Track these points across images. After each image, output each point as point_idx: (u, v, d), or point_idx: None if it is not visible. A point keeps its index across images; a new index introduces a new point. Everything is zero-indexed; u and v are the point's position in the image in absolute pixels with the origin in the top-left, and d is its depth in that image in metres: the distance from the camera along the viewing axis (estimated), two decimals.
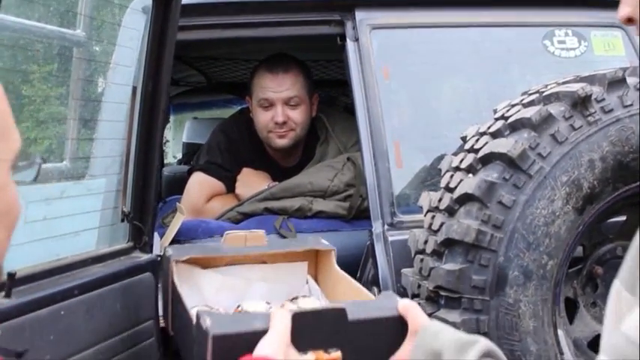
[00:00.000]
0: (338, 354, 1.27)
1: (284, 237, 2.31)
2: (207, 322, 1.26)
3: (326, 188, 2.47)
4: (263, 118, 2.64)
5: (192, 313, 1.36)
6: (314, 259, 1.83)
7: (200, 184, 2.67)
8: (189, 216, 2.42)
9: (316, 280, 1.80)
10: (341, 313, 1.32)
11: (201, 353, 1.27)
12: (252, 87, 2.69)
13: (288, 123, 2.63)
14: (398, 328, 1.32)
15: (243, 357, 1.12)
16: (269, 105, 2.62)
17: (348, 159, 2.51)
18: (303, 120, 2.66)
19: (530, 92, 1.89)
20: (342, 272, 1.70)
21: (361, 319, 1.33)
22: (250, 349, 1.16)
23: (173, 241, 2.17)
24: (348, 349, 1.29)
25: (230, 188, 2.67)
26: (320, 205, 2.45)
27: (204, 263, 1.73)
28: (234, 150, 2.75)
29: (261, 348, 1.15)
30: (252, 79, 2.70)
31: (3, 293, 1.25)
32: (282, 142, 2.66)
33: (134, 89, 1.76)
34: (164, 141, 5.24)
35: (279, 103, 2.61)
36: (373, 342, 1.33)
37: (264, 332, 1.20)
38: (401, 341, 1.30)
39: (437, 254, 1.76)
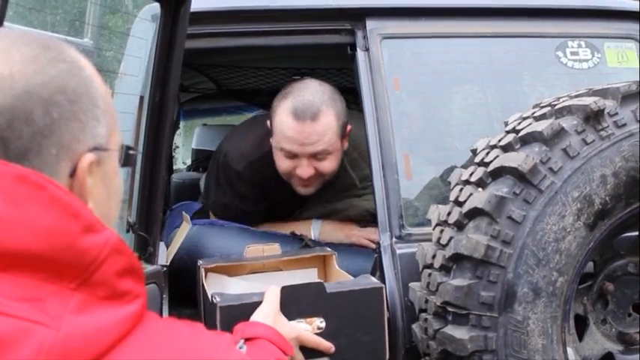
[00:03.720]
0: (323, 324, 1.68)
1: (301, 239, 2.37)
2: (217, 299, 1.67)
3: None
4: (284, 166, 2.30)
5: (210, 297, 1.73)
6: (322, 265, 2.14)
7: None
8: None
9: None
10: (320, 286, 1.73)
11: (213, 321, 1.64)
12: (272, 122, 2.30)
13: (314, 175, 2.30)
14: (368, 299, 1.75)
15: (240, 322, 1.49)
16: (292, 156, 2.27)
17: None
18: (333, 167, 2.31)
19: (542, 105, 1.86)
20: (343, 272, 2.01)
21: (337, 291, 1.74)
22: (248, 317, 1.54)
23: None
24: (329, 316, 1.69)
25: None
26: None
27: (230, 271, 2.05)
28: (255, 182, 2.47)
29: (256, 315, 1.54)
30: (274, 114, 2.29)
31: None
32: (306, 191, 2.36)
33: (141, 99, 1.75)
34: (173, 147, 5.24)
35: (304, 157, 2.26)
36: (348, 310, 1.72)
37: (259, 304, 1.59)
38: (371, 310, 1.74)
39: (445, 269, 1.73)
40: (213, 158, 2.64)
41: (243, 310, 1.58)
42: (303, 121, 2.21)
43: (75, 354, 0.72)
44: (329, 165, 2.30)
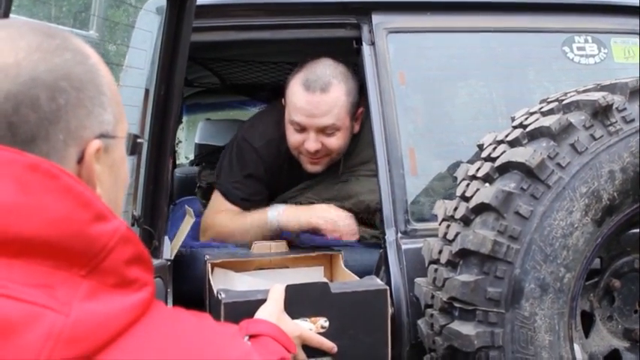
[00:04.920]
0: (327, 324, 1.69)
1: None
2: (222, 295, 1.68)
3: (374, 208, 2.34)
4: (293, 139, 2.35)
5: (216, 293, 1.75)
6: (329, 263, 2.15)
7: (219, 206, 2.47)
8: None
9: (332, 281, 2.08)
10: (325, 286, 1.74)
11: (217, 317, 1.63)
12: (286, 95, 2.36)
13: (321, 150, 2.34)
14: (372, 300, 1.75)
15: (244, 319, 1.49)
16: (301, 129, 2.32)
17: None
18: (340, 145, 2.35)
19: (549, 100, 1.85)
20: (349, 272, 2.02)
21: (341, 292, 1.74)
22: (252, 314, 1.55)
23: (186, 249, 2.18)
24: (332, 316, 1.70)
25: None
26: None
27: (237, 267, 2.05)
28: (269, 164, 2.48)
29: (260, 313, 1.56)
30: (288, 86, 2.36)
31: None
32: (313, 168, 2.40)
33: (147, 92, 1.74)
34: (176, 142, 5.24)
35: (312, 130, 2.30)
36: (352, 311, 1.72)
37: (263, 301, 1.60)
38: (375, 312, 1.74)
39: (451, 264, 1.72)
40: (229, 142, 2.65)
41: (248, 307, 1.60)
42: (312, 92, 2.27)
43: (83, 339, 0.72)
44: (336, 142, 2.33)
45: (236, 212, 2.43)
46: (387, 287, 1.83)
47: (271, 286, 1.68)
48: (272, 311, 1.57)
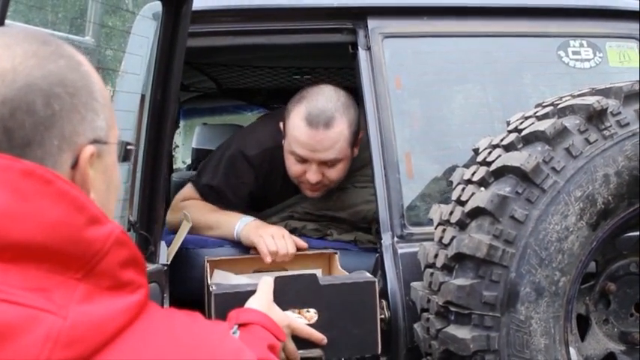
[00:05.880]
0: (315, 315, 1.72)
1: None
2: (213, 287, 1.73)
3: (370, 217, 2.34)
4: (294, 169, 2.33)
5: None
6: (327, 266, 2.18)
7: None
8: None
9: None
10: (313, 278, 1.76)
11: (209, 309, 1.71)
12: (286, 125, 2.32)
13: (322, 180, 2.32)
14: (360, 292, 1.79)
15: (235, 309, 1.53)
16: (302, 160, 2.30)
17: None
18: (341, 175, 2.34)
19: (544, 104, 1.85)
20: (345, 272, 2.03)
21: (330, 284, 1.78)
22: (242, 305, 1.58)
23: (182, 249, 2.18)
24: (321, 307, 1.73)
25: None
26: (339, 235, 2.41)
27: (236, 268, 2.11)
28: (262, 172, 2.47)
29: (249, 303, 1.60)
30: (287, 117, 2.31)
31: None
32: (312, 194, 2.39)
33: (143, 97, 1.74)
34: (173, 146, 5.24)
35: (314, 163, 2.28)
36: (341, 302, 1.76)
37: (253, 292, 1.63)
38: (363, 303, 1.78)
39: (447, 269, 1.73)
40: (218, 147, 2.62)
41: (237, 297, 1.63)
42: (316, 128, 2.23)
43: (81, 341, 0.74)
44: (336, 173, 2.33)
45: (209, 208, 2.42)
46: (376, 279, 1.85)
47: (261, 279, 1.70)
48: (261, 301, 1.60)
